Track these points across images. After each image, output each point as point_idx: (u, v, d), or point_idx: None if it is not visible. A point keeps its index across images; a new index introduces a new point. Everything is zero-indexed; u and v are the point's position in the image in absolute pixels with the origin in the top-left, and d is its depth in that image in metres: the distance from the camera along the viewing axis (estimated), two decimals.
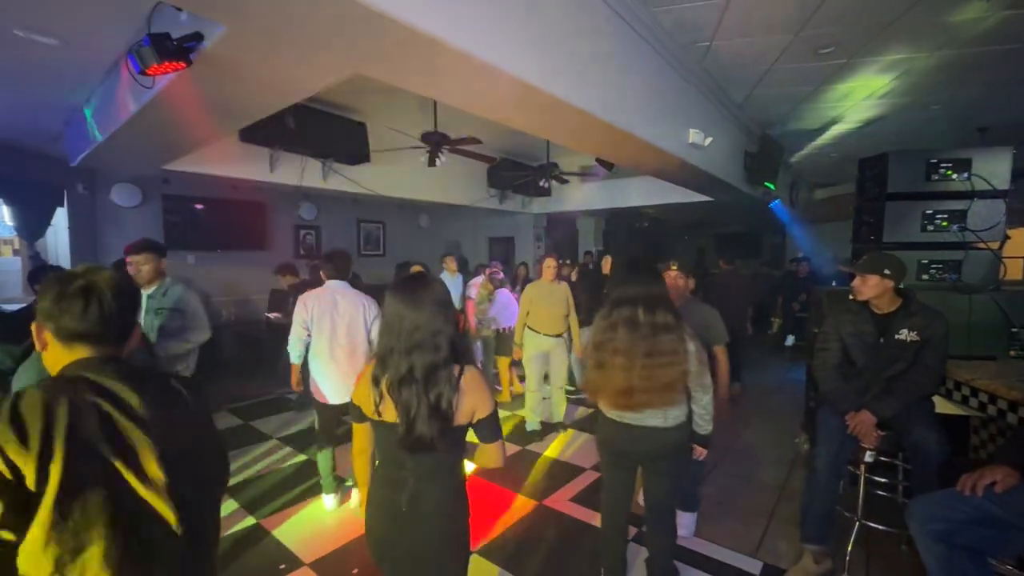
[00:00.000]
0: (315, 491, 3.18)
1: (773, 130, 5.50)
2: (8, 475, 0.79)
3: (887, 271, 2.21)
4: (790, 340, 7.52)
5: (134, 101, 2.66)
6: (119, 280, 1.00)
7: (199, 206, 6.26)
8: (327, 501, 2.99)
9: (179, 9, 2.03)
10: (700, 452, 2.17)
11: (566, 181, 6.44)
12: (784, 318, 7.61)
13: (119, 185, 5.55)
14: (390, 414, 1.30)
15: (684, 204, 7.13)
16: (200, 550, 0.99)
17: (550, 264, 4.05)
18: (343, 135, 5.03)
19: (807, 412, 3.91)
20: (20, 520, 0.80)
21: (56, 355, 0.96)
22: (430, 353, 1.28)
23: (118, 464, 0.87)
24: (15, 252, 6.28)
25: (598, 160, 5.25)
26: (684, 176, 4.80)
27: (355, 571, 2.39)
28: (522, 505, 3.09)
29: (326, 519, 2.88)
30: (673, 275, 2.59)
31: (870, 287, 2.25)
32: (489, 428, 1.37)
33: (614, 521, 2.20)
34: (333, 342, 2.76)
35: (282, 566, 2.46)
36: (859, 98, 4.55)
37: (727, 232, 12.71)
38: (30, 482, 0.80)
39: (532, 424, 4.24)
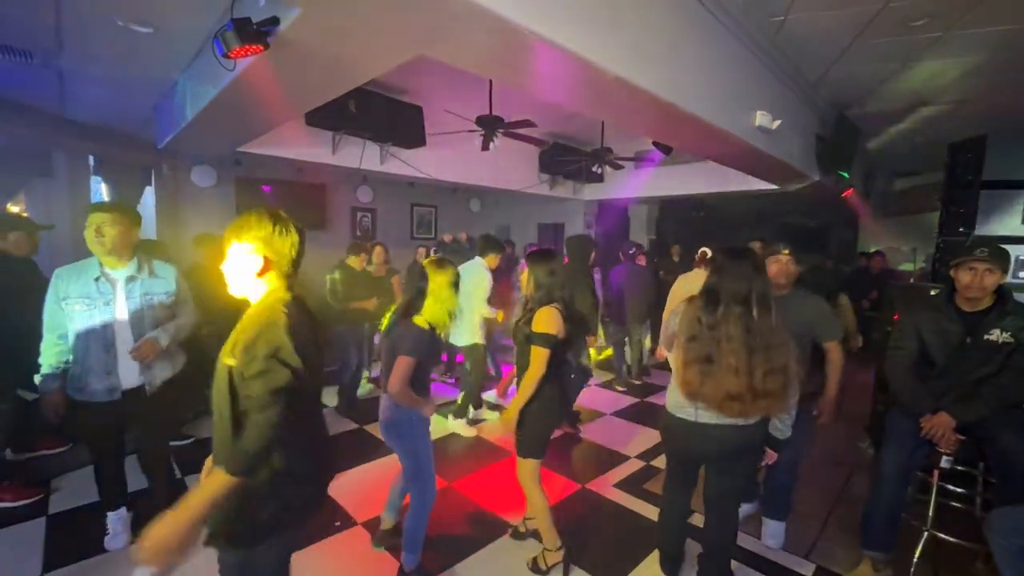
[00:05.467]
0: (368, 456, 3.38)
1: (850, 112, 5.09)
2: (295, 360, 1.23)
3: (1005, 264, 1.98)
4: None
5: (216, 84, 2.85)
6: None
7: (266, 188, 6.64)
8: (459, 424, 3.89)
9: None
10: (771, 456, 2.02)
11: (620, 166, 6.28)
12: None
13: (198, 167, 5.98)
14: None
15: (745, 193, 6.78)
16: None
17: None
18: (401, 119, 5.16)
19: (873, 415, 3.68)
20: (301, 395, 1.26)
21: (270, 281, 1.37)
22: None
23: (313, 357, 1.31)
24: None
25: (655, 144, 5.09)
26: (748, 162, 4.56)
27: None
28: (564, 487, 3.12)
29: (379, 483, 3.03)
30: (784, 261, 2.31)
31: (993, 281, 1.99)
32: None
33: (674, 519, 2.16)
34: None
35: (337, 523, 2.64)
36: (952, 76, 4.12)
37: (791, 224, 11.96)
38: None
39: None
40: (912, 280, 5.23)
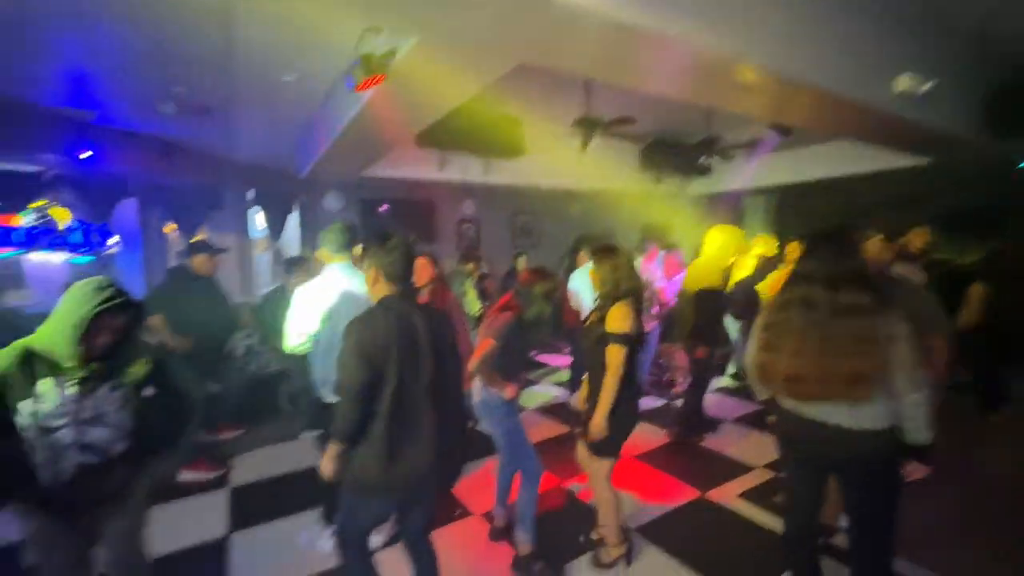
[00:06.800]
0: (490, 451, 3.54)
1: None
2: (372, 359, 1.53)
3: None
4: None
5: (346, 116, 3.25)
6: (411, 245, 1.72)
7: (383, 208, 7.33)
8: None
9: (379, 31, 2.42)
10: (914, 470, 1.75)
11: (731, 156, 5.86)
12: None
13: (330, 192, 6.82)
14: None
15: (886, 173, 5.90)
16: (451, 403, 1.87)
17: None
18: (501, 130, 5.38)
19: None
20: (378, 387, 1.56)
21: (380, 289, 1.66)
22: None
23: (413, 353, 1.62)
24: (264, 250, 8.18)
25: (773, 127, 4.67)
26: (890, 136, 3.99)
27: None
28: (684, 494, 2.97)
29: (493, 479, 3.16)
30: (878, 246, 2.22)
31: None
32: None
33: (797, 529, 1.95)
34: None
35: (457, 512, 2.81)
36: None
37: (948, 206, 10.04)
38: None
39: None
40: None
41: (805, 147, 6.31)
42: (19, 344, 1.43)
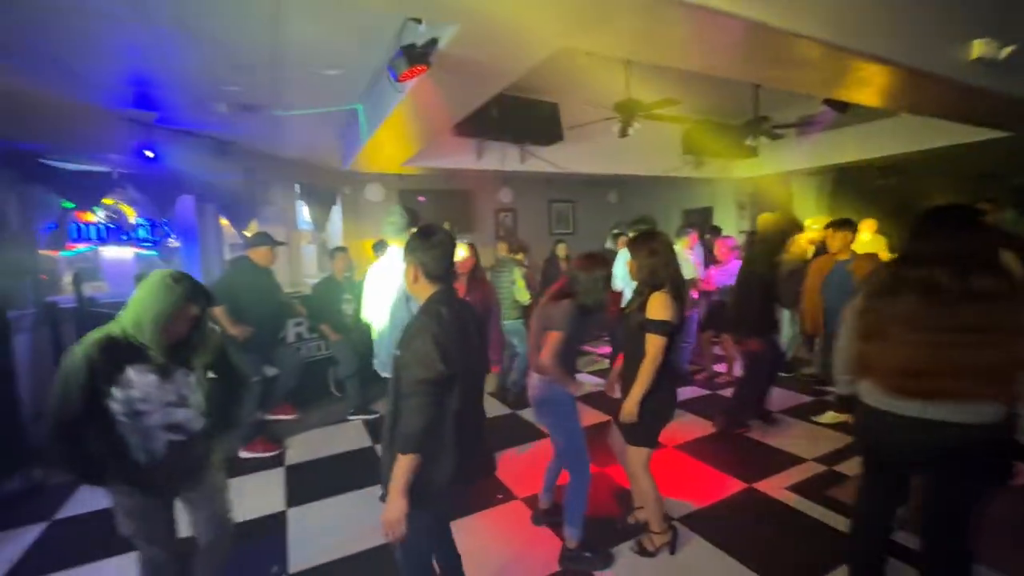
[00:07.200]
0: (522, 438, 3.59)
1: None
2: (447, 353, 1.41)
3: None
4: None
5: (387, 108, 3.32)
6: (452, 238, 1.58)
7: (421, 198, 7.45)
8: None
9: (419, 21, 2.44)
10: (1022, 472, 1.54)
11: (780, 135, 5.58)
12: None
13: (371, 184, 6.99)
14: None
15: (957, 148, 5.45)
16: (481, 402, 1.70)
17: None
18: (538, 117, 5.34)
19: None
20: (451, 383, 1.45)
21: (421, 287, 1.54)
22: None
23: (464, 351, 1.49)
24: (309, 242, 8.50)
25: (827, 102, 4.40)
26: (962, 107, 3.67)
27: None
28: (728, 484, 2.90)
29: (534, 462, 3.19)
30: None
31: None
32: None
33: (868, 535, 1.85)
34: None
35: (499, 495, 2.86)
36: None
37: None
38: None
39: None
40: None
41: (863, 124, 5.91)
42: (104, 332, 1.54)
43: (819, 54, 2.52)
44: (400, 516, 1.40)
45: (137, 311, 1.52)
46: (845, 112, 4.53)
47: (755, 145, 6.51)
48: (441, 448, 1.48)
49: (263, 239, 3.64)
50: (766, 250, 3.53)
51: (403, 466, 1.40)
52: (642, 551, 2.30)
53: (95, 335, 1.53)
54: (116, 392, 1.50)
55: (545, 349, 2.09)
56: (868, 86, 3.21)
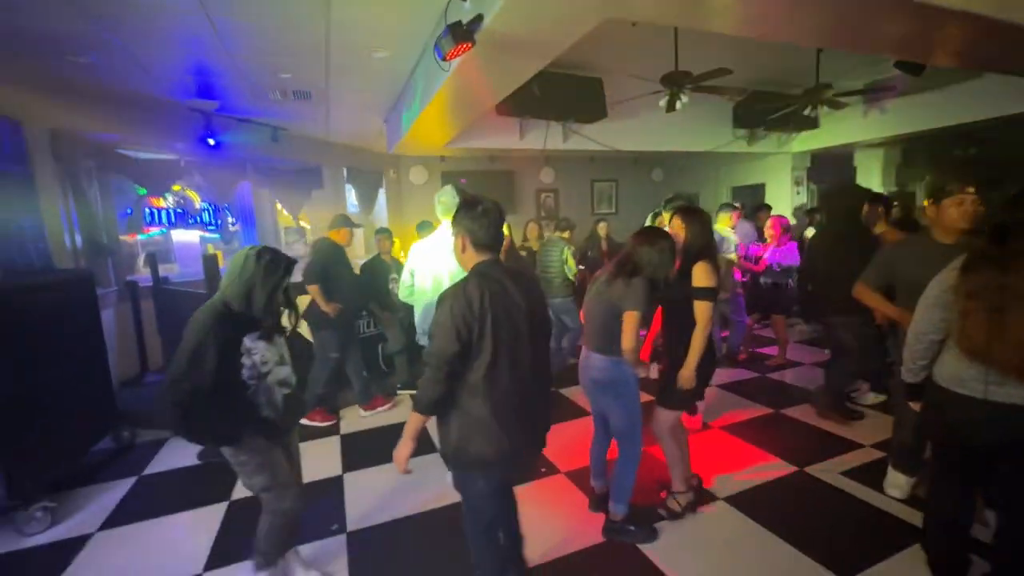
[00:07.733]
0: (574, 414, 3.65)
1: None
2: (465, 331, 1.42)
3: None
4: None
5: (433, 87, 3.34)
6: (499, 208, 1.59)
7: (463, 180, 7.50)
8: None
9: None
10: None
11: (842, 104, 5.18)
12: None
13: (414, 167, 7.11)
14: None
15: None
16: (544, 373, 1.69)
17: None
18: (581, 93, 5.21)
19: None
20: (467, 360, 1.46)
21: (469, 257, 1.57)
22: None
23: (509, 322, 1.49)
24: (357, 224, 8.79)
25: (898, 65, 4.04)
26: None
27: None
28: (776, 467, 2.84)
29: (576, 438, 3.22)
30: (968, 202, 1.93)
31: None
32: None
33: (949, 528, 1.79)
34: None
35: (543, 469, 2.93)
36: None
37: None
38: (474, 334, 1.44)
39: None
40: None
41: (940, 89, 5.40)
42: (218, 311, 1.71)
43: (894, 10, 2.33)
44: (405, 455, 1.57)
45: (246, 285, 1.72)
46: (920, 74, 4.16)
47: (815, 116, 6.10)
48: (474, 423, 1.51)
49: (343, 221, 3.81)
50: (852, 219, 3.22)
51: (412, 420, 1.55)
52: (670, 513, 2.37)
53: (209, 313, 1.70)
54: (244, 360, 1.73)
55: (626, 331, 2.01)
56: (949, 46, 2.94)
